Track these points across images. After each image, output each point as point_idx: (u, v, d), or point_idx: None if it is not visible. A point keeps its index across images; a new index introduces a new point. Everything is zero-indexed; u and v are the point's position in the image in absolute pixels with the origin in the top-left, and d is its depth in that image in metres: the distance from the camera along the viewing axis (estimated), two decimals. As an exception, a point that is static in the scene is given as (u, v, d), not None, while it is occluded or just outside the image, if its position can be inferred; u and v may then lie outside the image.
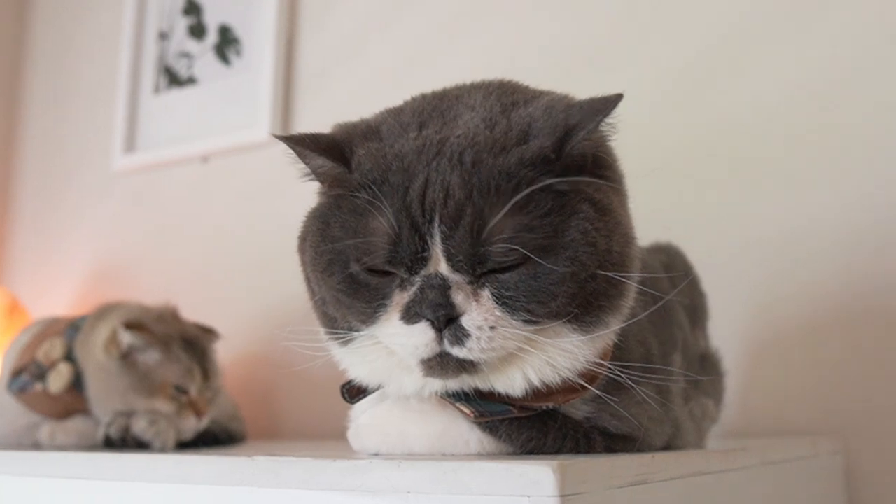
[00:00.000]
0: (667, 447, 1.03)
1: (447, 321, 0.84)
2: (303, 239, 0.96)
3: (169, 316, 1.92)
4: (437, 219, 0.81)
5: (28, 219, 3.23)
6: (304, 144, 0.91)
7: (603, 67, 1.93)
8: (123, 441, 1.72)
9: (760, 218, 1.77)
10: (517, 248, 0.80)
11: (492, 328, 0.84)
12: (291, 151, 0.92)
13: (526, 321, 0.84)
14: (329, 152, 0.90)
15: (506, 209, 0.80)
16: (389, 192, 0.84)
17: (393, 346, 0.88)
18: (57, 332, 1.88)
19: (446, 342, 0.85)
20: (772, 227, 1.74)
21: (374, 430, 0.95)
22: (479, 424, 0.90)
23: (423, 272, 0.84)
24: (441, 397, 0.92)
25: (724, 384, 1.43)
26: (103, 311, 1.93)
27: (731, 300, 1.73)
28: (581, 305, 0.85)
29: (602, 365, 0.90)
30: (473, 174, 0.82)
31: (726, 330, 1.66)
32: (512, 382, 0.89)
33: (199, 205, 2.57)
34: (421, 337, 0.85)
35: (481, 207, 0.80)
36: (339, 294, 0.89)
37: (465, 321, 0.84)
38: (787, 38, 1.76)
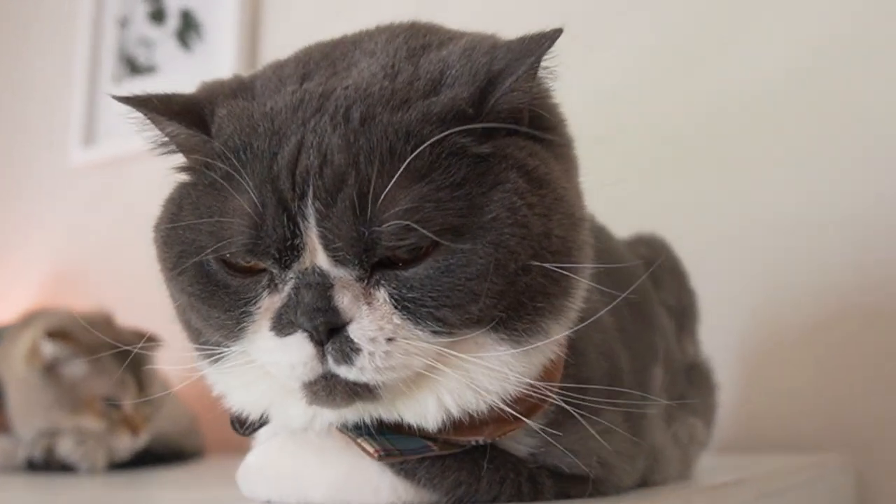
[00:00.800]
0: (642, 483, 0.89)
1: (329, 332, 0.68)
2: (155, 229, 0.79)
3: (101, 322, 1.78)
4: (310, 193, 0.66)
5: (-22, 219, 3.05)
6: (151, 107, 0.76)
7: (587, 46, 1.79)
8: (47, 464, 1.63)
9: (759, 206, 1.67)
10: (416, 226, 0.64)
11: (389, 340, 0.69)
12: (137, 116, 0.77)
13: (436, 331, 0.69)
14: (182, 116, 0.75)
15: (398, 174, 0.65)
16: (252, 160, 0.69)
17: (267, 366, 0.73)
18: None
19: (330, 360, 0.69)
20: (772, 216, 1.63)
21: (264, 473, 0.80)
22: (392, 466, 0.75)
23: (296, 266, 0.69)
24: (342, 431, 0.77)
25: (716, 399, 1.26)
26: (28, 319, 1.82)
27: (725, 299, 1.61)
28: (510, 308, 0.70)
29: (549, 387, 0.73)
30: (360, 134, 0.67)
31: (720, 333, 1.54)
32: (424, 411, 0.73)
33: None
34: (297, 353, 0.70)
35: (367, 175, 0.65)
36: (192, 299, 0.75)
37: (354, 331, 0.68)
38: (778, 17, 1.72)
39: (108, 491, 1.29)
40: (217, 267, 0.72)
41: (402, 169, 0.65)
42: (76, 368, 1.63)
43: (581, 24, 1.89)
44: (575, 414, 0.73)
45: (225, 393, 0.82)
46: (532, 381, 0.72)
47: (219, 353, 0.76)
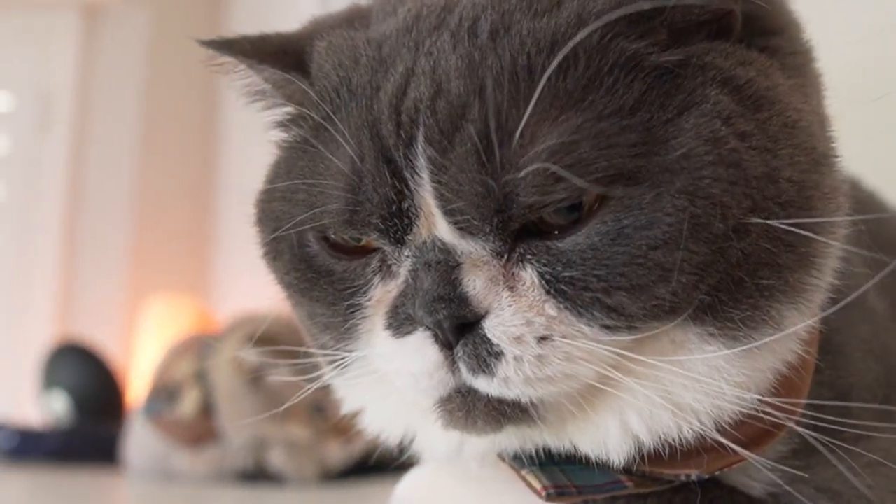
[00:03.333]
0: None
1: (458, 329, 0.54)
2: (254, 204, 0.67)
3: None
4: (420, 135, 0.53)
5: None
6: (238, 49, 0.63)
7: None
8: (257, 474, 1.60)
9: None
10: (568, 173, 0.49)
11: (542, 340, 0.53)
12: (230, 65, 0.64)
13: (608, 325, 0.53)
14: (276, 57, 0.62)
15: (537, 97, 0.50)
16: (349, 101, 0.57)
17: (389, 377, 0.59)
18: (191, 350, 1.77)
19: (463, 368, 0.54)
20: None
21: (415, 508, 0.66)
22: None
23: (411, 240, 0.56)
24: (504, 458, 0.62)
25: None
26: (235, 326, 1.77)
27: None
28: (720, 288, 0.53)
29: (789, 404, 0.56)
30: (489, 51, 0.53)
31: None
32: (603, 439, 0.57)
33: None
34: (419, 359, 0.55)
35: (496, 104, 0.51)
36: (291, 291, 0.63)
37: (491, 328, 0.54)
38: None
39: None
40: (317, 247, 0.60)
41: (541, 88, 0.50)
42: (280, 375, 1.52)
43: None
44: (830, 442, 0.56)
45: (356, 410, 0.69)
46: (761, 397, 0.55)
47: (340, 360, 0.63)
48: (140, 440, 1.73)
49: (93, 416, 2.16)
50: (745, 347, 0.53)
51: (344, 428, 1.54)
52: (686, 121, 0.51)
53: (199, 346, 1.75)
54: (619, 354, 0.53)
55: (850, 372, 0.64)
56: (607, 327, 0.52)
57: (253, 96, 0.66)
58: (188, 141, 3.14)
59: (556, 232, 0.52)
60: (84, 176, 2.92)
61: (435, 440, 0.64)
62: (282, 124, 0.65)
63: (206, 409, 1.64)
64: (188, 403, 1.65)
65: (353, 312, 0.59)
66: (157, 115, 3.03)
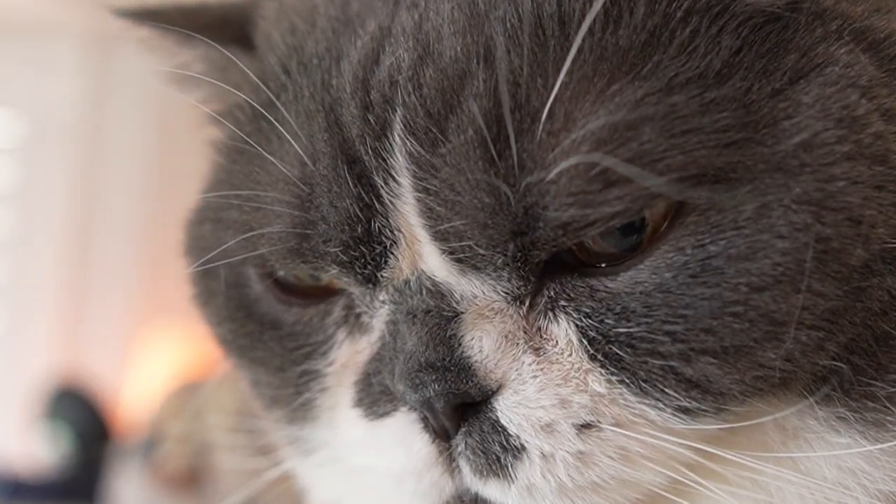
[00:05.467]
0: None
1: (458, 410, 0.38)
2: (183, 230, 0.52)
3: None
4: (397, 121, 0.38)
5: None
6: (164, 20, 0.48)
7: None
8: None
9: None
10: (624, 169, 0.33)
11: (583, 429, 0.37)
12: (152, 40, 0.49)
13: (687, 409, 0.36)
14: (211, 29, 0.48)
15: (572, 57, 0.34)
16: (300, 77, 0.42)
17: (360, 475, 0.44)
18: (184, 398, 1.78)
19: (465, 468, 0.38)
20: None
21: None
22: None
23: (387, 277, 0.39)
24: None
25: None
26: (230, 376, 1.69)
27: None
28: (856, 350, 0.37)
29: None
30: None
31: None
32: None
33: None
34: (400, 453, 0.40)
35: (514, 70, 0.36)
36: (228, 350, 0.48)
37: (506, 409, 0.38)
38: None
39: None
40: (260, 289, 0.45)
41: (578, 44, 0.34)
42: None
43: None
44: None
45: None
46: None
47: (307, 441, 0.47)
48: (129, 484, 1.70)
49: (89, 458, 2.14)
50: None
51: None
52: (805, 92, 0.35)
53: (193, 393, 1.68)
54: (700, 451, 0.37)
55: None
56: (685, 410, 0.36)
57: (183, 84, 0.49)
58: (198, 169, 3.08)
59: (605, 265, 0.36)
60: (90, 202, 2.86)
61: None
62: (217, 118, 0.48)
63: (197, 459, 1.57)
64: (177, 451, 1.60)
65: (307, 382, 0.43)
66: (166, 143, 2.96)
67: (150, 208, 2.83)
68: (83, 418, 2.20)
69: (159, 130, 2.90)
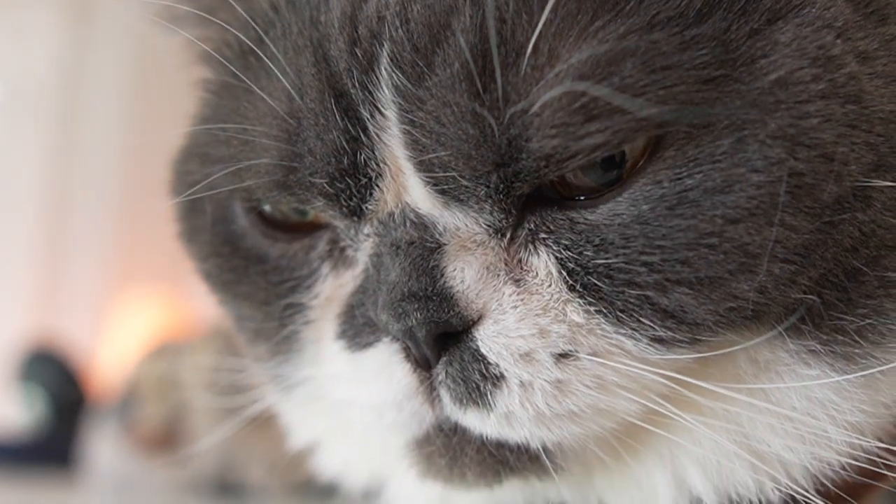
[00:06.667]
0: None
1: (439, 340, 0.39)
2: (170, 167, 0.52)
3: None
4: (384, 56, 0.38)
5: None
6: None
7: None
8: (230, 488, 1.53)
9: None
10: (607, 95, 0.34)
11: (561, 358, 0.38)
12: None
13: (662, 339, 0.37)
14: None
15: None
16: (288, 14, 0.42)
17: (342, 408, 0.45)
18: (161, 358, 1.72)
19: (445, 396, 0.39)
20: None
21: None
22: None
23: (371, 209, 0.40)
24: None
25: None
26: (209, 335, 1.68)
27: None
28: (827, 284, 0.38)
29: None
30: None
31: None
32: (648, 499, 0.42)
33: None
34: (381, 383, 0.40)
35: (500, 4, 0.36)
36: (213, 285, 0.48)
37: (487, 339, 0.38)
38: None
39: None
40: (246, 223, 0.45)
41: None
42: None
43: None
44: None
45: (307, 444, 0.53)
46: (882, 445, 0.39)
47: (287, 378, 0.48)
48: (104, 445, 1.66)
49: (64, 421, 2.12)
50: (864, 373, 0.38)
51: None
52: (782, 32, 0.36)
53: (170, 354, 1.67)
54: (675, 380, 0.38)
55: None
56: (660, 340, 0.37)
57: (171, 23, 0.48)
58: (175, 134, 3.06)
59: (584, 198, 0.37)
60: (66, 165, 2.84)
61: (410, 491, 0.48)
62: (206, 57, 0.48)
63: (173, 419, 1.56)
64: (154, 412, 1.57)
65: (292, 315, 0.44)
66: (143, 107, 2.93)
67: (126, 171, 2.81)
68: (58, 381, 2.18)
69: (135, 97, 2.88)
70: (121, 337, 2.47)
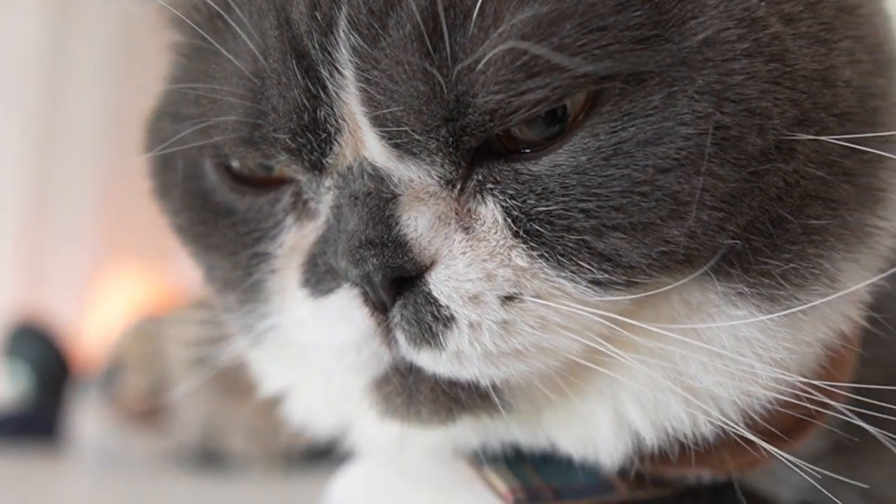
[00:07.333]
0: None
1: (394, 284, 0.42)
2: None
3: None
4: (342, 17, 0.41)
5: None
6: None
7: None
8: (213, 458, 1.57)
9: None
10: (546, 54, 0.37)
11: (507, 300, 0.41)
12: None
13: (599, 281, 0.41)
14: None
15: None
16: None
17: (306, 351, 0.48)
18: (144, 329, 1.76)
19: (400, 338, 0.43)
20: None
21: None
22: None
23: (331, 163, 0.43)
24: (468, 458, 0.51)
25: None
26: (191, 307, 1.69)
27: None
28: (753, 229, 0.42)
29: (831, 387, 0.44)
30: None
31: None
32: (590, 434, 0.46)
33: None
34: (343, 326, 0.44)
35: None
36: (185, 238, 0.52)
37: (438, 283, 0.42)
38: None
39: None
40: (216, 179, 0.48)
41: None
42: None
43: None
44: (881, 435, 0.44)
45: (277, 392, 0.56)
46: (805, 379, 0.43)
47: (254, 326, 0.51)
48: (88, 417, 1.68)
49: (49, 395, 2.12)
50: (787, 312, 0.41)
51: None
52: None
53: (153, 325, 1.70)
54: (613, 321, 0.41)
55: None
56: (598, 283, 0.40)
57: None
58: None
59: (529, 151, 0.40)
60: (49, 141, 2.84)
61: (371, 432, 0.52)
62: (177, 21, 0.51)
63: (157, 390, 1.58)
64: (137, 383, 1.60)
65: (258, 265, 0.47)
66: (127, 81, 2.93)
67: (109, 148, 2.81)
68: (42, 356, 2.19)
69: (118, 73, 2.88)
70: (105, 311, 2.48)
